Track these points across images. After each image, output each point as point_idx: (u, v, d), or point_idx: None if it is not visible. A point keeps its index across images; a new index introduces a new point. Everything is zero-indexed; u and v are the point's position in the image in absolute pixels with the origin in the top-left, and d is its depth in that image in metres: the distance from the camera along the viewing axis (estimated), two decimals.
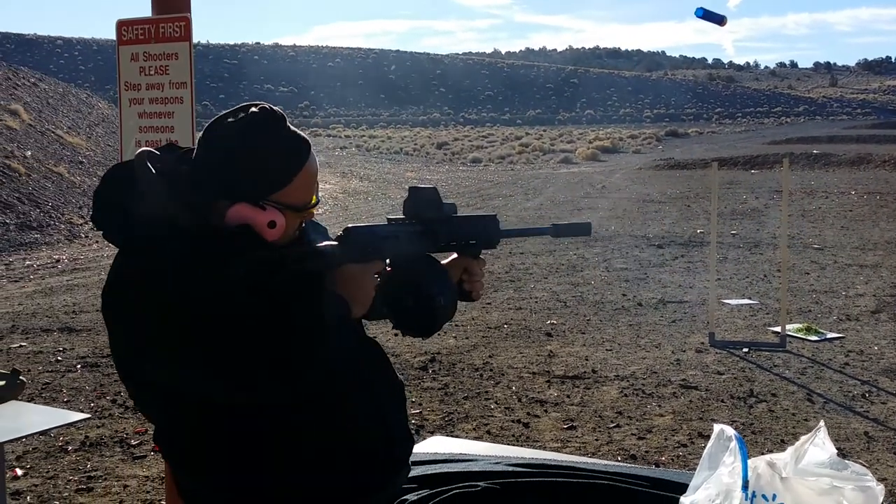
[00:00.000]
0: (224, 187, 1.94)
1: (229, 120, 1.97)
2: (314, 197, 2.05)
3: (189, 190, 1.94)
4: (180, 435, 2.00)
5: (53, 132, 22.55)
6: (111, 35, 3.89)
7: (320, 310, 1.89)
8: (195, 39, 3.71)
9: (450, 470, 2.51)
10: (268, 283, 1.89)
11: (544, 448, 5.24)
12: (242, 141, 1.93)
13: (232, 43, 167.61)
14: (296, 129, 2.02)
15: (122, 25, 3.73)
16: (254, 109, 1.98)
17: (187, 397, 1.91)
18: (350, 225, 2.05)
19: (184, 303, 1.80)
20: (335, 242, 2.01)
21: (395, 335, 7.19)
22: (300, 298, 1.89)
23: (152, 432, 2.09)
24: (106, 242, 14.17)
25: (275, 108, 2.01)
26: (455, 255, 2.27)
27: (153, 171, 1.94)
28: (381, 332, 7.03)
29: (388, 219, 2.16)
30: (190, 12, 3.64)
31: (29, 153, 19.30)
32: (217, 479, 1.98)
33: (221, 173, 1.93)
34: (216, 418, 1.93)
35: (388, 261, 2.10)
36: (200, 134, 2.00)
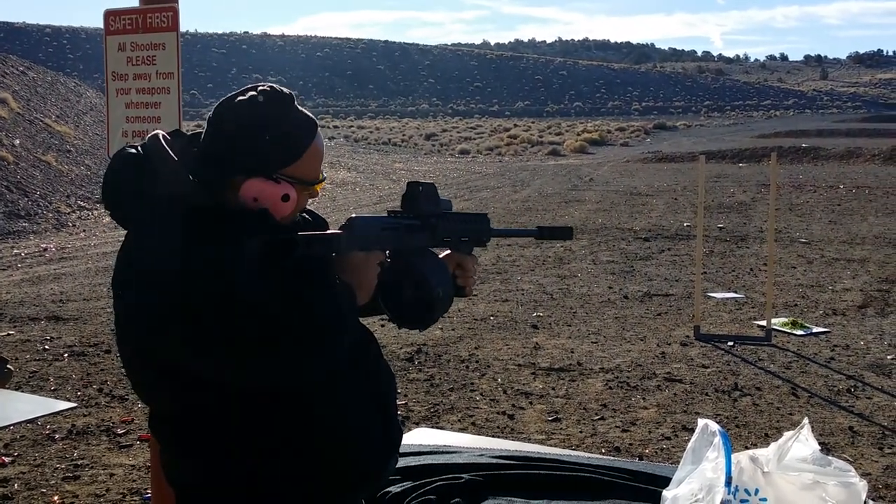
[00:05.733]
0: (239, 162, 1.99)
1: (240, 98, 2.02)
2: (321, 173, 2.11)
3: (203, 168, 1.98)
4: (185, 418, 2.00)
5: (42, 121, 22.45)
6: (99, 23, 3.88)
7: (334, 294, 1.92)
8: (182, 28, 3.71)
9: (434, 462, 2.52)
10: (280, 265, 1.92)
11: (529, 440, 5.26)
12: (256, 116, 1.99)
13: (220, 32, 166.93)
14: (303, 108, 2.09)
15: (110, 15, 3.72)
16: (264, 87, 2.05)
17: (198, 379, 1.92)
18: (353, 215, 2.09)
19: (195, 283, 1.81)
20: (340, 231, 2.05)
21: (383, 326, 7.20)
22: (314, 282, 1.92)
23: (147, 419, 2.09)
24: (93, 232, 13.97)
25: (283, 87, 2.08)
26: (448, 251, 2.31)
27: (168, 150, 1.97)
28: (366, 323, 7.04)
29: (389, 211, 2.20)
30: (177, 2, 3.63)
31: (17, 142, 19.21)
32: (219, 464, 2.00)
33: (236, 148, 1.99)
34: (223, 402, 1.95)
35: (387, 252, 2.13)
36: (210, 113, 2.05)
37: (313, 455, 2.01)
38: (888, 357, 7.18)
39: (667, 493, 2.05)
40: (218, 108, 2.04)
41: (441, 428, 5.34)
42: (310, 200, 2.17)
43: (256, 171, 1.98)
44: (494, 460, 2.56)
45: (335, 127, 65.62)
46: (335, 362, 1.97)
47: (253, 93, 2.02)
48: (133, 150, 2.03)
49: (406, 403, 6.00)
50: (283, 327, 1.84)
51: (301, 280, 1.92)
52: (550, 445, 4.93)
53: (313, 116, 2.09)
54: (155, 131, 2.06)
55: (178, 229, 1.89)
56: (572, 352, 7.38)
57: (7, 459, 5.01)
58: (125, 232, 2.03)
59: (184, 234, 1.88)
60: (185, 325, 1.83)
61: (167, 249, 1.87)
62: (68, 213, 16.74)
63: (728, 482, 1.92)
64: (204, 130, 2.06)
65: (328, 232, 2.05)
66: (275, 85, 2.06)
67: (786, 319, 8.34)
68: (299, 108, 2.07)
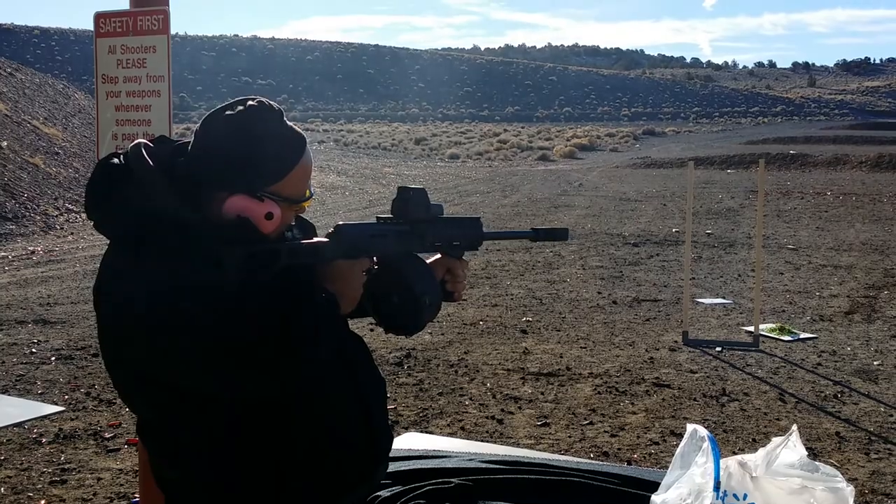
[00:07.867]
0: (222, 179, 1.95)
1: (227, 112, 1.98)
2: (308, 190, 2.08)
3: (186, 182, 1.95)
4: (167, 427, 2.00)
5: (30, 122, 22.36)
6: (89, 25, 3.88)
7: (312, 305, 1.91)
8: (172, 30, 3.70)
9: (423, 466, 2.52)
10: (262, 276, 1.90)
11: (518, 445, 5.27)
12: (242, 132, 1.95)
13: (210, 34, 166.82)
14: (292, 124, 2.05)
15: (100, 18, 3.71)
16: (252, 102, 2.00)
17: (178, 390, 1.91)
18: (340, 223, 2.08)
19: (176, 296, 1.80)
20: (326, 239, 2.03)
21: (372, 330, 7.19)
22: (293, 293, 1.91)
23: (134, 425, 2.09)
24: (81, 234, 13.88)
25: (272, 101, 2.04)
26: (439, 256, 2.30)
27: (150, 162, 1.94)
28: (357, 327, 7.03)
29: (378, 218, 2.19)
30: (168, 5, 3.63)
31: (5, 143, 19.13)
32: (203, 472, 1.99)
33: (220, 165, 1.94)
34: (206, 411, 1.94)
35: (375, 259, 2.12)
36: (197, 126, 2.01)
37: (297, 461, 2.01)
38: (875, 363, 7.21)
39: (655, 498, 2.06)
40: (204, 122, 2.00)
41: (430, 432, 5.34)
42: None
43: (240, 188, 1.95)
44: (484, 465, 2.56)
45: (325, 131, 65.56)
46: (308, 374, 1.95)
47: (241, 107, 1.98)
48: (115, 161, 2.00)
49: (395, 408, 5.99)
50: (259, 340, 1.83)
51: (280, 291, 1.91)
52: (539, 450, 4.93)
53: (302, 132, 2.05)
54: (137, 140, 2.03)
55: (158, 243, 1.86)
56: (561, 357, 7.39)
57: None
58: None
59: (165, 248, 1.86)
60: (163, 339, 1.82)
61: (148, 264, 1.85)
62: (56, 216, 16.67)
63: (716, 487, 1.93)
64: (190, 142, 2.04)
65: (313, 240, 2.04)
66: (263, 99, 2.02)
67: (773, 325, 8.36)
68: (288, 123, 2.02)
